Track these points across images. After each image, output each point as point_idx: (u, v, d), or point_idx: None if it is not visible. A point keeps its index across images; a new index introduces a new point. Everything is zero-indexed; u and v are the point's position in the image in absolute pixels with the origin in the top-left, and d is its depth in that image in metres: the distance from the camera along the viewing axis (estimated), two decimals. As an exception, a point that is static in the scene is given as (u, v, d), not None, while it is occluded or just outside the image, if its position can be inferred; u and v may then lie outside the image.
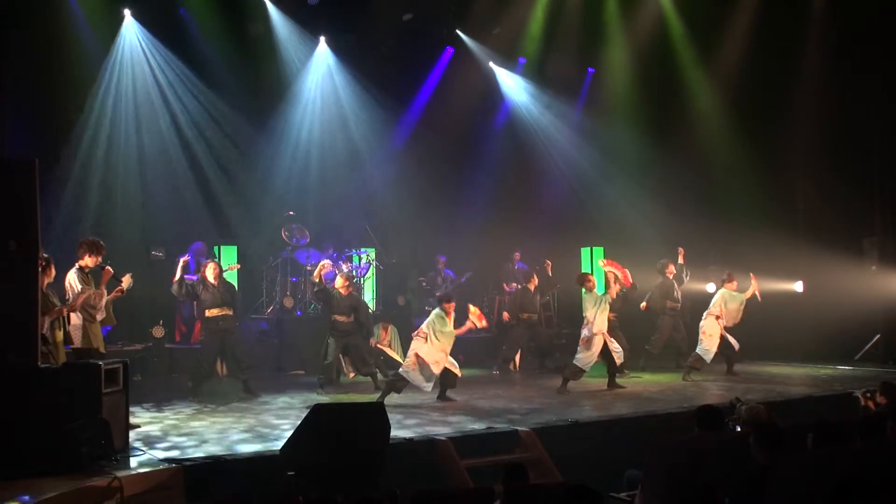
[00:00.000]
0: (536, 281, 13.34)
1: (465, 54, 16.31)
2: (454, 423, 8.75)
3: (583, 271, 13.47)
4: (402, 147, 16.32)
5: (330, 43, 15.60)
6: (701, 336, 12.19)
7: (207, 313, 10.52)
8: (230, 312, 10.57)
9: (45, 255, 8.41)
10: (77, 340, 8.53)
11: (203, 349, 10.70)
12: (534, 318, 13.29)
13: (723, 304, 12.24)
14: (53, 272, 8.51)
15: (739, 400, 7.89)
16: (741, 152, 15.11)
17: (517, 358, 13.56)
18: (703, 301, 12.78)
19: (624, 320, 12.97)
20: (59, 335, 8.20)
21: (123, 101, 13.73)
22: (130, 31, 13.76)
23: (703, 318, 12.29)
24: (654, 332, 13.20)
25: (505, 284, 15.29)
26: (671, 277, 13.19)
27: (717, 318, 12.16)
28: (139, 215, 13.70)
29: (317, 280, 11.14)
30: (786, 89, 14.77)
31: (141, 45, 13.82)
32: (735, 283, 12.41)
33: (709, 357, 12.08)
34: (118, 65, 13.68)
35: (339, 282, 11.39)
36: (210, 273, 10.52)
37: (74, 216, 12.74)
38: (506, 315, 13.59)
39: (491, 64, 16.66)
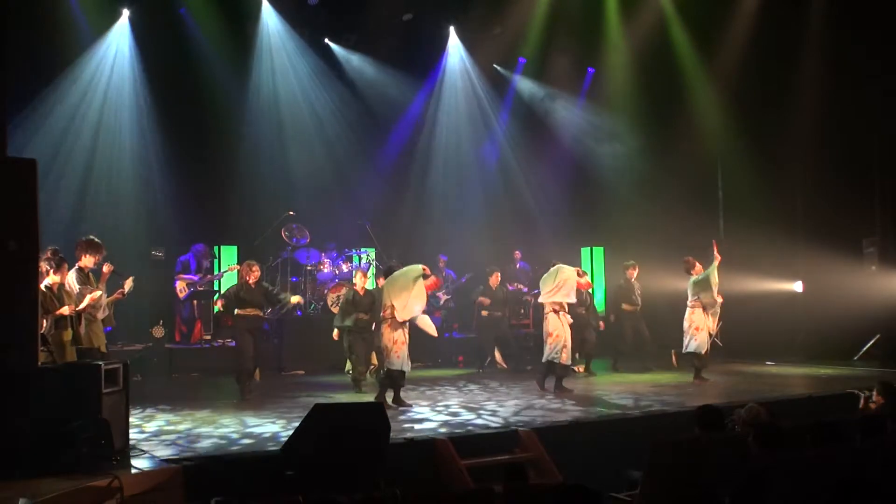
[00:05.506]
0: (498, 277, 13.57)
1: (464, 54, 16.33)
2: (454, 423, 8.75)
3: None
4: (402, 146, 16.32)
5: (330, 43, 15.59)
6: (690, 331, 11.84)
7: (241, 312, 10.68)
8: (261, 314, 10.96)
9: (61, 255, 8.40)
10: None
11: (240, 349, 10.68)
12: (496, 314, 13.50)
13: (698, 291, 11.88)
14: (67, 272, 8.50)
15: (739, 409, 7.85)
16: (741, 152, 15.10)
17: (496, 354, 13.69)
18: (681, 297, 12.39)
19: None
20: (67, 334, 8.20)
21: (123, 100, 13.72)
22: (122, 32, 13.70)
23: (686, 312, 11.95)
24: (619, 336, 13.33)
25: (508, 284, 15.28)
26: (633, 280, 13.25)
27: (702, 308, 11.80)
28: (139, 215, 13.68)
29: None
30: (786, 89, 14.75)
31: (133, 45, 13.73)
32: (698, 266, 12.01)
33: (703, 349, 11.74)
34: (110, 64, 13.63)
35: (358, 280, 11.47)
36: (251, 277, 10.74)
37: (74, 216, 12.72)
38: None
39: (492, 64, 16.69)
